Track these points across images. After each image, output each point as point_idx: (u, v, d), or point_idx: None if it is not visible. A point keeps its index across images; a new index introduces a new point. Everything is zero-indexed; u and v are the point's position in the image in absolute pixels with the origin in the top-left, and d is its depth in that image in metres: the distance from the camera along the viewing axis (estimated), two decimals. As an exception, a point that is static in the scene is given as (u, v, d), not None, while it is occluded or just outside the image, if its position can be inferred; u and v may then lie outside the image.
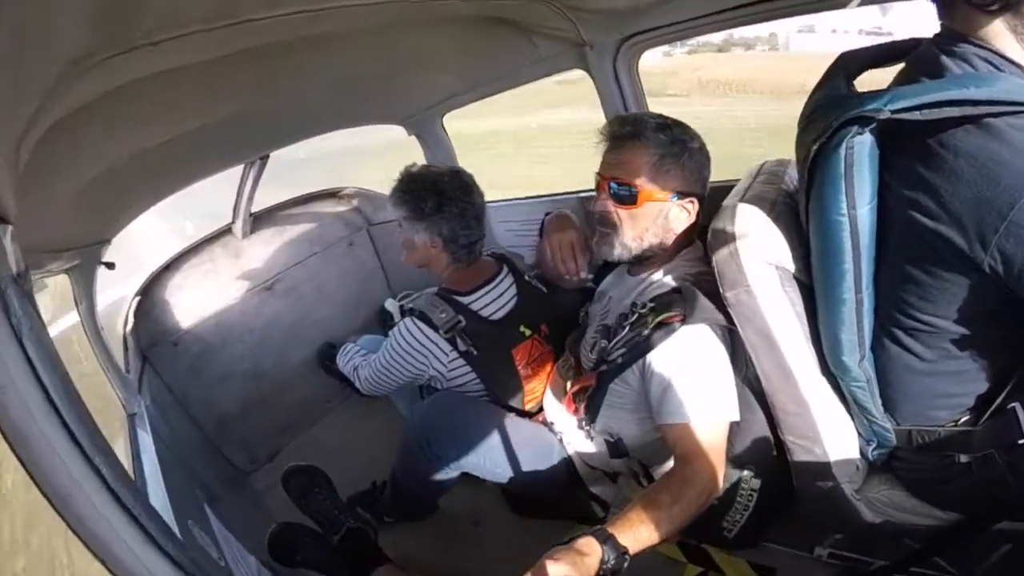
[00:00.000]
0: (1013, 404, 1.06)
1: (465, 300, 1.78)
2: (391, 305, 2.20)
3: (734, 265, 1.22)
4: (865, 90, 1.05)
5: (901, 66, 1.11)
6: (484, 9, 1.77)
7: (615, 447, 1.56)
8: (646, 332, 1.35)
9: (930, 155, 0.94)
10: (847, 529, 1.42)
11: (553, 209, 2.38)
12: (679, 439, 1.30)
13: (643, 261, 1.51)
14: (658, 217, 1.43)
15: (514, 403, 1.80)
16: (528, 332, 1.81)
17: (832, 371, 1.22)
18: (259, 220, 2.67)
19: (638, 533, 1.12)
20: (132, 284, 2.30)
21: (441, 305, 1.75)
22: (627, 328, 1.40)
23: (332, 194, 2.98)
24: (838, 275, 1.09)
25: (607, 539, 1.08)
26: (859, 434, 1.27)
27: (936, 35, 1.03)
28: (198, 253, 2.48)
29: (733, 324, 1.28)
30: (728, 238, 1.23)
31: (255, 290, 2.53)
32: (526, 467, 1.65)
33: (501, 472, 1.66)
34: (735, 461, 1.42)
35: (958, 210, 0.91)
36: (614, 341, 1.43)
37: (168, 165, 1.76)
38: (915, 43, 1.13)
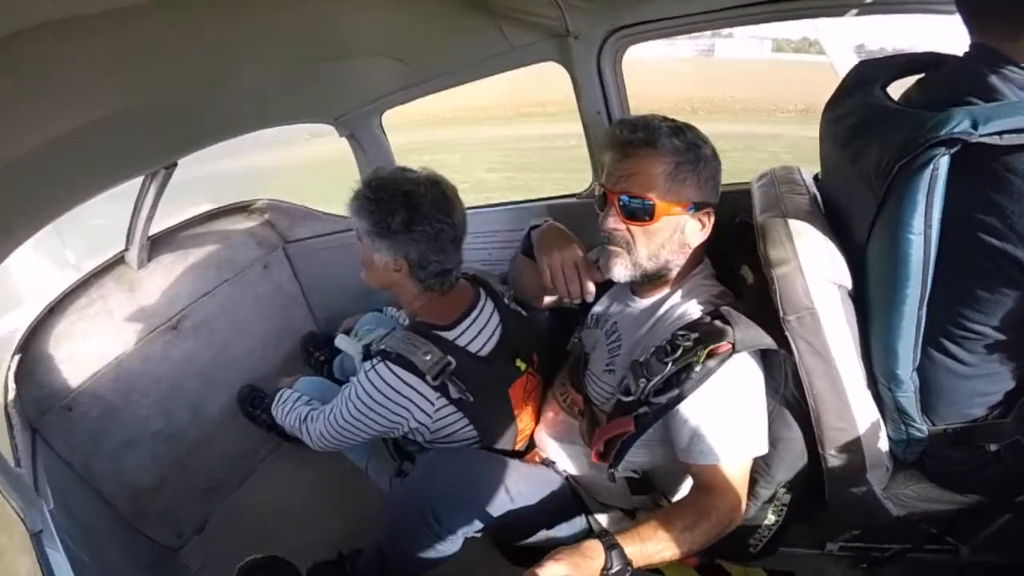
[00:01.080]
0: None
1: (449, 335, 1.48)
2: (345, 343, 1.85)
3: (800, 289, 1.15)
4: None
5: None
6: None
7: (639, 483, 1.43)
8: (698, 368, 1.18)
9: (998, 178, 0.95)
10: (870, 524, 1.42)
11: (516, 218, 2.21)
12: (704, 474, 1.24)
13: (654, 280, 1.36)
14: (675, 232, 1.29)
15: (507, 445, 1.58)
16: (523, 366, 1.58)
17: (882, 382, 1.20)
18: (156, 245, 2.17)
19: (645, 548, 1.13)
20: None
21: (423, 344, 1.44)
22: (670, 364, 1.21)
23: (241, 209, 2.54)
24: (907, 291, 1.07)
25: (613, 547, 1.11)
26: (890, 437, 1.26)
27: (976, 54, 1.05)
28: (86, 291, 1.96)
29: (781, 346, 1.20)
30: (788, 258, 1.16)
31: (158, 331, 2.06)
32: (541, 518, 1.46)
33: (515, 530, 1.47)
34: (771, 480, 1.34)
35: (1017, 218, 0.94)
36: (654, 381, 1.23)
37: (49, 178, 1.32)
38: (935, 58, 1.18)
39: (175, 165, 1.93)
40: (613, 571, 1.08)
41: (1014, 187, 0.94)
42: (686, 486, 1.43)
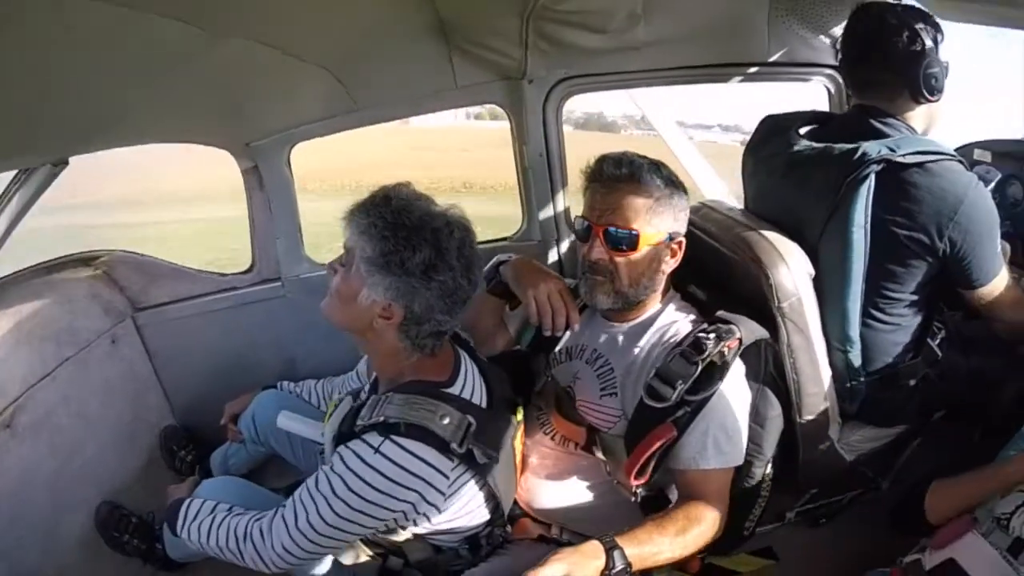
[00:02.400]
0: (929, 340, 1.56)
1: (454, 390, 1.29)
2: (297, 423, 1.51)
3: (791, 278, 1.39)
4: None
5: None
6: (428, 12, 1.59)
7: (652, 501, 1.45)
8: (719, 364, 1.30)
9: (904, 188, 1.37)
10: (829, 477, 1.65)
11: None
12: (694, 482, 1.33)
13: (633, 305, 1.46)
14: (653, 261, 1.41)
15: (510, 503, 1.45)
16: (520, 415, 1.47)
17: (836, 347, 1.49)
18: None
19: (643, 550, 1.19)
20: None
21: (436, 406, 1.22)
22: (700, 364, 1.29)
23: (83, 262, 1.94)
24: (855, 270, 1.42)
25: (614, 547, 1.15)
26: (839, 394, 1.54)
27: (863, 111, 1.50)
28: None
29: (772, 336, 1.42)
30: (779, 258, 1.40)
31: (-15, 430, 1.42)
32: None
33: None
34: (763, 458, 1.47)
35: (924, 221, 1.37)
36: (690, 382, 1.29)
37: None
38: (823, 114, 1.70)
39: (65, 163, 1.51)
40: (615, 571, 1.13)
41: (915, 193, 1.36)
42: None
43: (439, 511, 1.24)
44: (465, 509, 1.29)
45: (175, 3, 1.08)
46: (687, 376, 1.28)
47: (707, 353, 1.28)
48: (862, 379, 1.52)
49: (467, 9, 1.61)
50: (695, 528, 1.26)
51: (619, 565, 1.14)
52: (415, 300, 1.18)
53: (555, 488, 1.47)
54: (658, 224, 1.37)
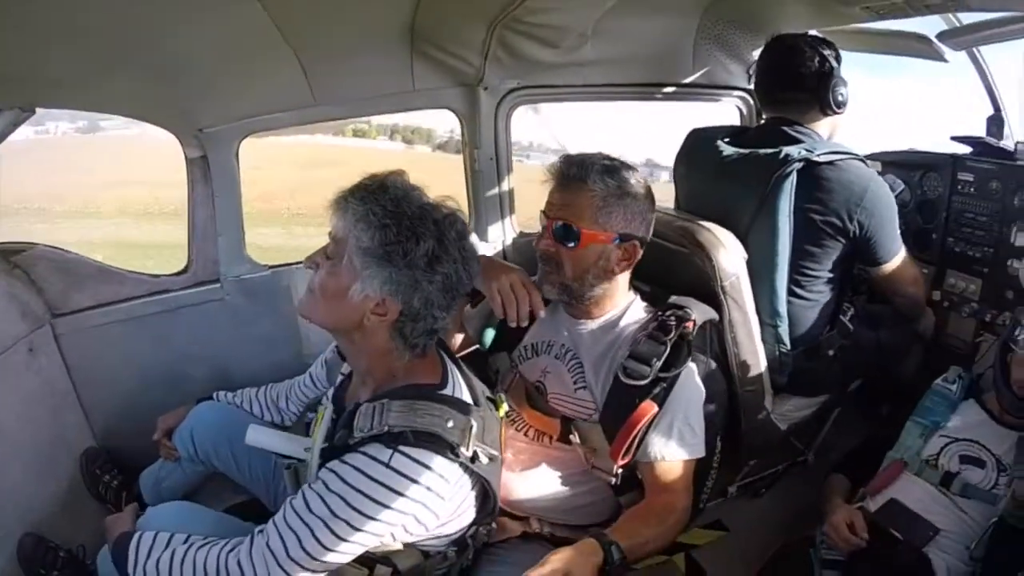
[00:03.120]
0: (841, 317, 1.83)
1: (448, 392, 1.25)
2: (273, 438, 1.39)
3: (730, 260, 1.60)
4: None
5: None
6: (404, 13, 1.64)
7: (626, 480, 1.49)
8: (684, 339, 1.45)
9: (818, 182, 1.64)
10: (766, 447, 1.86)
11: None
12: (664, 473, 1.42)
13: (586, 302, 1.55)
14: (599, 259, 1.48)
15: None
16: (503, 411, 1.44)
17: (767, 322, 1.72)
18: None
19: (632, 543, 1.24)
20: None
21: (443, 411, 1.17)
22: (668, 344, 1.42)
23: (3, 254, 1.74)
24: (782, 252, 1.67)
25: (610, 543, 1.19)
26: (770, 367, 1.77)
27: (778, 122, 1.77)
28: None
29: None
30: (719, 243, 1.61)
31: None
32: None
33: None
34: (716, 429, 1.59)
35: (836, 207, 1.64)
36: (662, 359, 1.41)
37: None
38: (739, 127, 1.97)
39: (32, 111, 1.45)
40: (615, 564, 1.17)
41: (828, 185, 1.64)
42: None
43: (438, 518, 1.19)
44: (459, 511, 1.24)
45: None
46: (659, 354, 1.40)
47: (673, 333, 1.42)
48: (789, 351, 1.76)
49: (442, 14, 1.66)
50: (671, 517, 1.36)
51: (617, 558, 1.19)
52: (415, 294, 1.12)
53: (533, 482, 1.52)
54: (604, 223, 1.45)
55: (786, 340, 1.75)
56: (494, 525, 1.38)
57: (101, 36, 1.30)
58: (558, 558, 1.14)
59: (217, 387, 1.77)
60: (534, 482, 1.52)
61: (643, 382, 1.40)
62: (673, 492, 1.40)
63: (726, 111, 2.37)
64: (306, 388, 1.71)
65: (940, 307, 2.06)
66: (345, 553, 1.12)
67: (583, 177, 1.46)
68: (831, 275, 1.74)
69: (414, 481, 1.10)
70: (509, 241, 2.24)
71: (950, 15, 1.75)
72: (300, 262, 2.00)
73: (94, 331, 1.86)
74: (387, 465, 1.09)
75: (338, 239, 1.14)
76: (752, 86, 2.28)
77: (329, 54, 1.69)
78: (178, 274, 1.98)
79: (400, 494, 1.10)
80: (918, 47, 1.92)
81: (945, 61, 1.89)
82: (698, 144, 1.89)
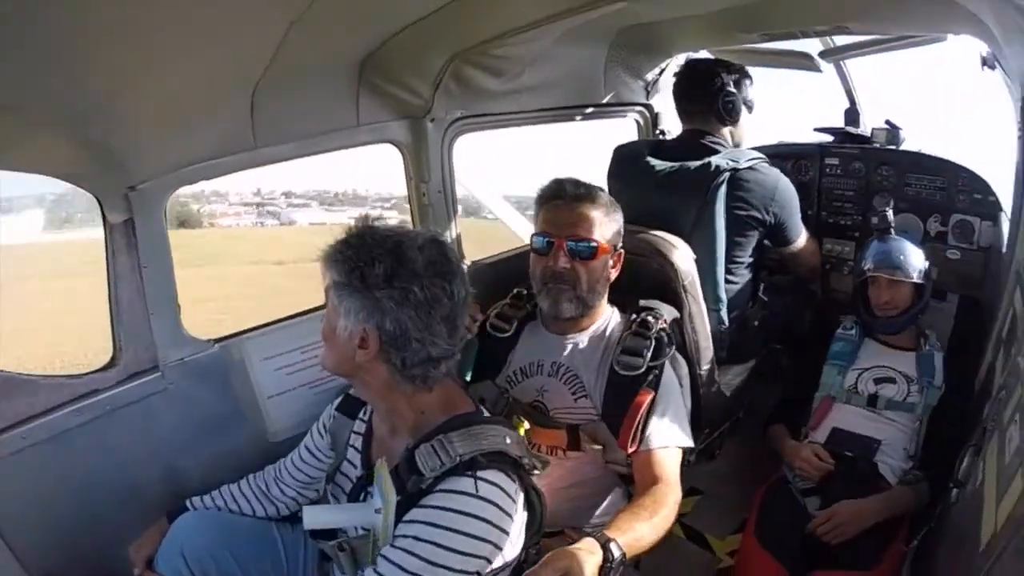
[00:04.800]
0: (757, 290, 2.19)
1: (487, 415, 1.33)
2: (331, 515, 1.29)
3: (685, 262, 1.81)
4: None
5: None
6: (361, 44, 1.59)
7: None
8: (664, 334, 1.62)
9: (740, 184, 1.96)
10: (715, 414, 2.07)
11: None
12: (655, 462, 1.52)
13: (587, 313, 1.66)
14: (605, 268, 1.65)
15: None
16: (523, 428, 1.54)
17: (711, 307, 1.95)
18: None
19: (629, 538, 1.28)
20: None
21: (497, 430, 1.21)
22: (652, 338, 1.58)
23: None
24: (721, 248, 1.97)
25: (608, 540, 1.23)
26: (715, 345, 2.01)
27: (694, 134, 2.08)
28: None
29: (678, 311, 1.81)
30: (674, 249, 1.81)
31: None
32: None
33: None
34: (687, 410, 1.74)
35: (755, 203, 1.98)
36: (651, 350, 1.57)
37: None
38: (659, 141, 2.28)
39: None
40: (615, 562, 1.20)
41: (749, 186, 1.97)
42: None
43: (512, 542, 1.20)
44: (520, 532, 1.25)
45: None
46: (647, 347, 1.56)
47: (653, 329, 1.59)
48: (727, 328, 2.05)
49: (407, 46, 1.64)
50: (663, 510, 1.40)
51: (616, 555, 1.21)
52: (385, 318, 1.14)
53: (559, 494, 1.56)
54: (607, 235, 1.63)
55: (725, 320, 2.05)
56: (540, 544, 1.37)
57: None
58: (556, 557, 1.15)
59: (172, 491, 1.62)
60: (561, 495, 1.57)
61: (638, 372, 1.56)
62: (665, 483, 1.47)
63: (627, 125, 2.65)
64: (304, 466, 1.53)
65: (823, 269, 2.49)
66: None
67: (590, 194, 1.62)
68: (751, 259, 2.06)
69: (498, 506, 1.13)
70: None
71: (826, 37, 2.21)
72: (251, 329, 1.84)
73: (11, 460, 1.47)
74: (476, 495, 1.11)
75: (325, 288, 1.21)
76: (650, 101, 2.60)
77: (278, 90, 1.57)
78: (104, 369, 1.62)
79: (490, 522, 1.12)
80: (801, 62, 2.39)
81: (820, 72, 2.36)
82: (627, 160, 2.14)
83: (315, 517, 1.27)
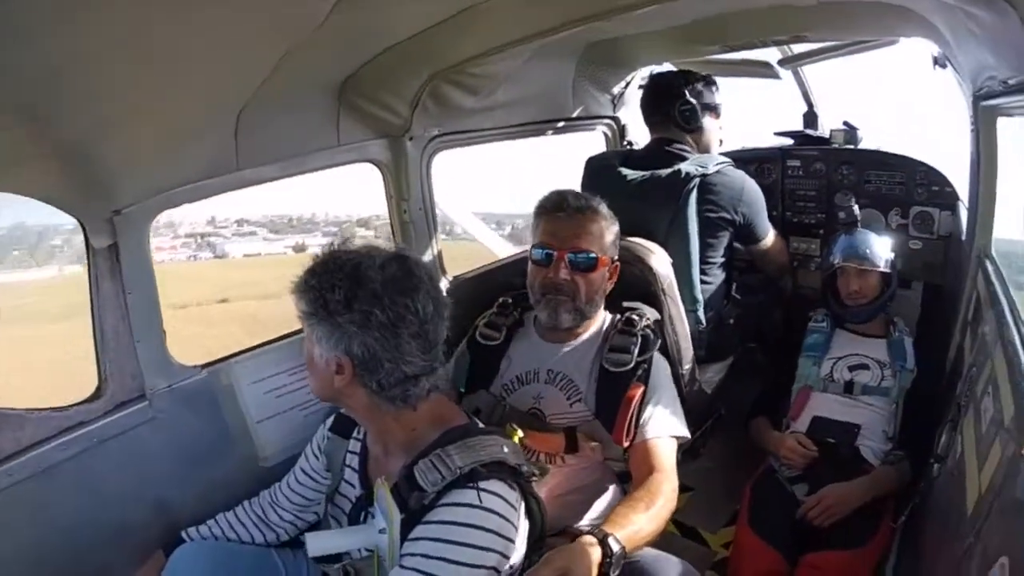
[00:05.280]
0: (731, 290, 2.28)
1: (480, 426, 1.34)
2: (334, 540, 1.28)
3: (663, 266, 1.89)
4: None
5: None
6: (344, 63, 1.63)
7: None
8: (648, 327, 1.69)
9: (709, 188, 2.06)
10: (699, 411, 2.12)
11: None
12: (650, 452, 1.55)
13: (586, 323, 1.73)
14: (603, 280, 1.71)
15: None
16: (516, 436, 1.49)
17: (688, 308, 2.02)
18: None
19: (627, 532, 1.30)
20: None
21: (494, 440, 1.22)
22: (639, 335, 1.65)
23: None
24: (695, 250, 2.06)
25: (606, 536, 1.24)
26: (694, 345, 2.09)
27: (662, 142, 2.19)
28: None
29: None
30: (652, 255, 1.89)
31: None
32: None
33: None
34: None
35: (724, 204, 2.08)
36: (637, 347, 1.63)
37: None
38: (627, 152, 2.41)
39: None
40: (615, 556, 1.22)
41: (717, 189, 2.08)
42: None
43: (516, 549, 1.20)
44: (521, 539, 1.24)
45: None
46: (634, 343, 1.62)
47: (638, 327, 1.65)
48: (704, 327, 2.12)
49: (388, 66, 1.68)
50: (659, 500, 1.41)
51: (616, 549, 1.22)
52: (352, 343, 1.15)
53: (558, 500, 1.59)
54: (607, 248, 1.69)
55: (703, 320, 2.14)
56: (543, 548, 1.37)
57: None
58: (555, 556, 1.18)
59: (164, 525, 1.57)
60: (559, 502, 1.60)
61: (627, 368, 1.61)
62: (660, 473, 1.50)
63: (596, 138, 2.74)
64: (300, 488, 1.52)
65: (791, 266, 2.60)
66: None
67: (591, 206, 1.68)
68: (723, 259, 2.16)
69: (501, 515, 1.14)
70: (445, 285, 2.25)
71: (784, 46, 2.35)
72: (239, 352, 1.83)
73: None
74: (480, 506, 1.12)
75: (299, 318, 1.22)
76: (617, 113, 2.70)
77: (262, 112, 1.58)
78: (90, 400, 1.58)
79: (495, 532, 1.13)
80: (761, 71, 2.52)
81: (780, 79, 2.48)
82: (600, 171, 2.24)
83: (319, 544, 1.26)
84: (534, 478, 1.26)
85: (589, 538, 1.22)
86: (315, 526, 1.54)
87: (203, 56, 1.27)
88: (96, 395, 1.61)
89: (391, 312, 1.14)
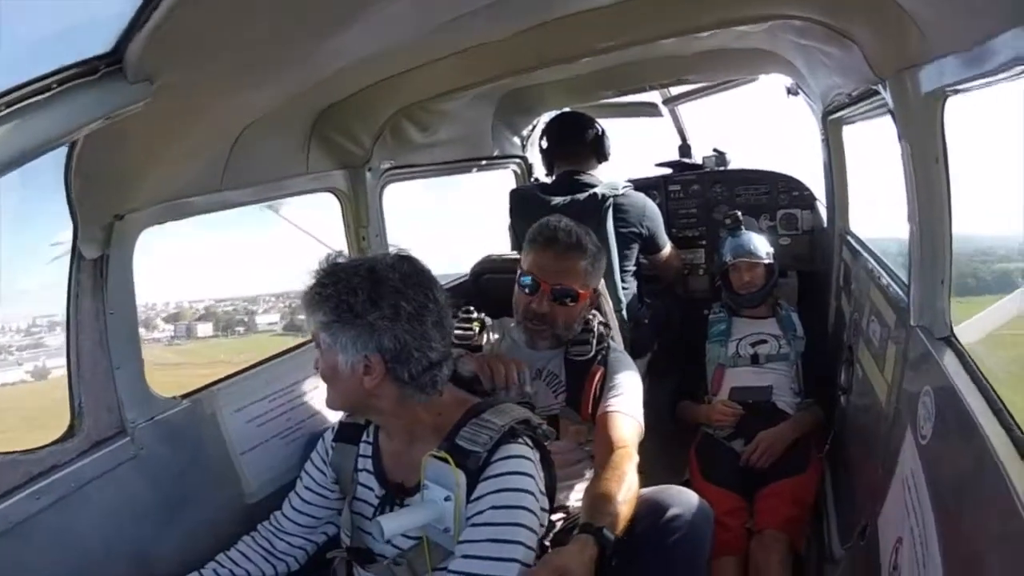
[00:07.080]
0: (643, 294, 2.68)
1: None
2: (404, 518, 1.27)
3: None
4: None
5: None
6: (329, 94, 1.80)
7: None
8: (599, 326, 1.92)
9: (619, 208, 2.50)
10: None
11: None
12: (616, 424, 1.65)
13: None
14: (583, 311, 1.84)
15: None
16: None
17: (616, 308, 2.34)
18: None
19: (611, 511, 1.34)
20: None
21: (511, 406, 1.35)
22: (596, 325, 1.87)
23: None
24: (615, 260, 2.46)
25: (599, 528, 1.27)
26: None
27: (570, 173, 2.59)
28: None
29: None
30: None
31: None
32: None
33: None
34: None
35: (632, 220, 2.53)
36: (596, 336, 1.84)
37: None
38: (540, 184, 2.78)
39: None
40: (611, 547, 1.26)
41: (626, 208, 2.52)
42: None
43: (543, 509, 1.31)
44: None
45: None
46: (591, 336, 1.81)
47: (592, 325, 1.85)
48: (627, 326, 2.43)
49: (356, 101, 1.84)
50: (628, 477, 1.46)
51: (611, 539, 1.26)
52: (383, 338, 1.21)
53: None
54: (590, 283, 1.82)
55: (626, 318, 2.47)
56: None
57: None
58: (556, 556, 1.23)
59: (149, 572, 1.48)
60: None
61: (588, 356, 1.79)
62: (623, 448, 1.56)
63: (507, 175, 3.11)
64: (309, 508, 1.50)
65: (682, 274, 3.08)
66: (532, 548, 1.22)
67: (579, 245, 1.76)
68: (634, 268, 2.59)
69: (536, 465, 1.28)
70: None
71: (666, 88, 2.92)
72: (221, 380, 1.80)
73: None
74: (528, 458, 1.26)
75: (312, 331, 1.28)
76: (526, 154, 3.10)
77: (255, 136, 1.65)
78: (64, 439, 1.42)
79: (535, 479, 1.26)
80: (647, 110, 3.03)
81: (662, 116, 3.01)
82: (525, 200, 2.63)
83: (393, 525, 1.25)
84: (547, 439, 1.37)
85: (582, 537, 1.25)
86: (324, 547, 1.50)
87: (215, 91, 1.34)
88: (70, 433, 1.44)
89: (415, 303, 1.22)
